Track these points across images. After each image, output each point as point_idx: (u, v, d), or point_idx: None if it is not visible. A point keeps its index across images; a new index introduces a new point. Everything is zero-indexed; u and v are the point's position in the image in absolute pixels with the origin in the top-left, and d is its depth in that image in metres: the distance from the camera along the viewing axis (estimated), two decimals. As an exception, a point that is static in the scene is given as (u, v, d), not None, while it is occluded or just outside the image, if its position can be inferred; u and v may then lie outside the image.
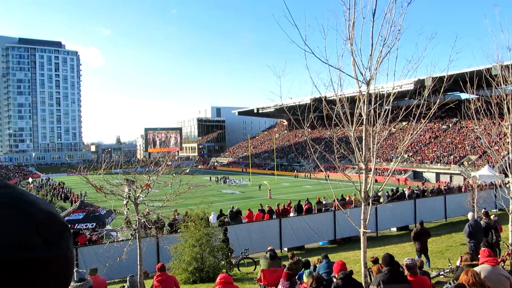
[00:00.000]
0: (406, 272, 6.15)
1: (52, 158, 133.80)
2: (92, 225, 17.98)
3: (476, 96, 13.88)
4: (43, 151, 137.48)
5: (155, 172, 7.47)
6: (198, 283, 11.99)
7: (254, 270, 13.63)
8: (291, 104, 63.34)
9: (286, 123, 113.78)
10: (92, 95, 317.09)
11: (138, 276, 7.11)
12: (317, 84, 6.69)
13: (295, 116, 8.54)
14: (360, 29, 6.11)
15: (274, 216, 22.02)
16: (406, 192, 28.27)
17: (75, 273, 8.63)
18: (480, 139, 53.86)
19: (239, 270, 14.04)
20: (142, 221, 7.46)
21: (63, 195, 49.60)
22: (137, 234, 7.17)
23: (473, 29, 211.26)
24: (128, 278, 8.09)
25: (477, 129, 14.31)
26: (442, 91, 6.95)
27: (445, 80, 6.75)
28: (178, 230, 14.31)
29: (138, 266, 7.01)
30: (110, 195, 7.04)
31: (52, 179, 77.09)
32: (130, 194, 7.15)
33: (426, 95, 6.67)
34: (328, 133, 7.61)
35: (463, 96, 59.73)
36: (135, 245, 7.25)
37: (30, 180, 74.65)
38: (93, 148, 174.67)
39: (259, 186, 53.55)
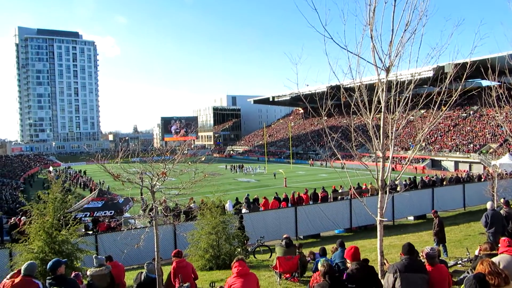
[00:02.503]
0: (425, 262, 6.06)
1: (72, 147, 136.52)
2: (110, 213, 18.35)
3: (498, 83, 13.51)
4: (62, 141, 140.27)
5: (171, 161, 7.51)
6: (214, 269, 12.12)
7: (270, 257, 13.71)
8: (307, 92, 62.82)
9: (302, 111, 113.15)
10: (109, 85, 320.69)
11: (156, 262, 7.21)
12: (335, 70, 6.58)
13: (311, 104, 8.45)
14: (381, 14, 5.96)
15: (290, 204, 22.06)
16: (424, 180, 27.89)
17: (94, 259, 8.83)
18: (501, 127, 52.57)
19: (255, 257, 14.14)
20: (159, 208, 7.54)
21: (82, 183, 50.66)
22: (154, 222, 7.26)
23: (496, 14, 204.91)
24: (145, 265, 8.23)
25: (498, 116, 13.96)
26: (464, 78, 6.77)
27: (467, 67, 6.56)
28: (195, 218, 14.46)
29: (156, 253, 7.10)
30: (128, 183, 7.12)
31: (71, 168, 78.73)
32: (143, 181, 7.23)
33: (448, 82, 6.50)
34: (345, 121, 7.49)
35: (485, 83, 58.32)
36: (152, 232, 7.34)
37: (51, 168, 76.40)
38: (110, 137, 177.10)
39: (274, 175, 53.64)
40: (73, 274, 7.78)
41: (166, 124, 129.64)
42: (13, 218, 19.18)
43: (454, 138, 61.68)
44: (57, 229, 10.19)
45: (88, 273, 8.57)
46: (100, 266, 8.61)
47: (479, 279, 4.61)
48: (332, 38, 6.01)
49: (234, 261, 6.70)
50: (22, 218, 16.80)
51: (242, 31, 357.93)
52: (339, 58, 6.48)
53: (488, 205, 11.45)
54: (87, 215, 18.01)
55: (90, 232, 16.66)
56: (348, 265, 6.23)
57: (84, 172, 62.82)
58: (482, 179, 27.98)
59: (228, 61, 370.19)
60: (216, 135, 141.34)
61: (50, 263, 6.29)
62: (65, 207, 11.17)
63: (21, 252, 9.97)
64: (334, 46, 6.07)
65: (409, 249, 5.90)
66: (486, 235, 11.41)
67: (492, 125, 58.48)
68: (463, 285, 4.97)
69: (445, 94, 6.43)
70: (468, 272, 7.83)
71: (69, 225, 10.48)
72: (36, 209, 10.33)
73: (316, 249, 11.03)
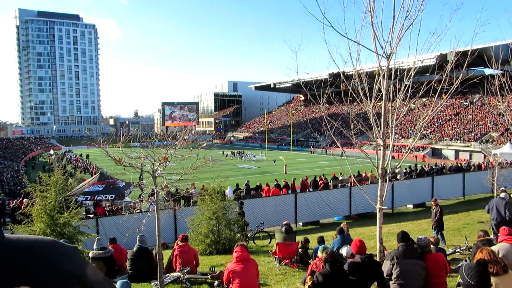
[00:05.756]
0: (419, 250, 6.14)
1: (72, 131, 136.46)
2: (111, 197, 18.41)
3: (501, 72, 13.44)
4: (63, 124, 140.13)
5: (172, 146, 7.53)
6: (214, 254, 12.25)
7: (269, 243, 13.84)
8: (308, 79, 62.25)
9: (302, 98, 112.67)
10: (110, 69, 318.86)
11: (157, 247, 7.29)
12: (335, 58, 6.55)
13: (312, 91, 8.43)
14: (381, 1, 5.91)
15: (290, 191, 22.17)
16: (425, 169, 27.96)
17: (96, 242, 8.94)
18: (503, 116, 52.38)
19: (254, 243, 14.27)
20: (160, 193, 7.60)
21: (83, 167, 50.97)
22: (155, 206, 7.32)
23: (501, 1, 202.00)
24: (137, 237, 8.45)
25: (500, 105, 13.95)
26: (465, 66, 6.74)
27: (469, 54, 6.52)
28: (196, 203, 14.55)
29: (157, 237, 7.19)
30: (129, 168, 7.16)
31: (72, 152, 78.91)
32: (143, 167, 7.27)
33: (449, 70, 6.47)
34: (345, 108, 7.49)
35: (487, 71, 57.85)
36: (153, 217, 7.42)
37: (52, 152, 76.58)
38: (111, 122, 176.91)
39: (274, 161, 53.77)
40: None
41: (167, 109, 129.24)
42: (14, 201, 19.34)
43: (455, 126, 61.54)
44: (59, 212, 10.28)
45: (89, 255, 8.69)
46: (102, 249, 8.73)
47: (485, 265, 4.66)
48: (332, 26, 5.97)
49: (235, 246, 6.78)
50: (24, 200, 16.94)
51: (244, 15, 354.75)
52: (339, 46, 6.44)
53: (501, 195, 11.47)
54: (88, 199, 18.10)
55: (91, 216, 16.80)
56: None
57: (87, 156, 62.95)
58: (482, 168, 28.02)
59: (230, 46, 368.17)
60: (217, 121, 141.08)
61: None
62: (67, 189, 11.25)
63: (22, 233, 10.07)
64: (334, 34, 6.04)
65: (403, 236, 6.01)
66: (485, 223, 11.48)
67: (494, 114, 58.25)
68: (462, 273, 5.01)
69: (446, 82, 6.41)
70: (466, 260, 7.90)
71: (71, 208, 10.57)
72: (38, 191, 10.41)
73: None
